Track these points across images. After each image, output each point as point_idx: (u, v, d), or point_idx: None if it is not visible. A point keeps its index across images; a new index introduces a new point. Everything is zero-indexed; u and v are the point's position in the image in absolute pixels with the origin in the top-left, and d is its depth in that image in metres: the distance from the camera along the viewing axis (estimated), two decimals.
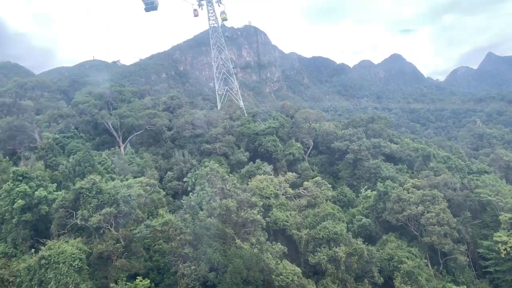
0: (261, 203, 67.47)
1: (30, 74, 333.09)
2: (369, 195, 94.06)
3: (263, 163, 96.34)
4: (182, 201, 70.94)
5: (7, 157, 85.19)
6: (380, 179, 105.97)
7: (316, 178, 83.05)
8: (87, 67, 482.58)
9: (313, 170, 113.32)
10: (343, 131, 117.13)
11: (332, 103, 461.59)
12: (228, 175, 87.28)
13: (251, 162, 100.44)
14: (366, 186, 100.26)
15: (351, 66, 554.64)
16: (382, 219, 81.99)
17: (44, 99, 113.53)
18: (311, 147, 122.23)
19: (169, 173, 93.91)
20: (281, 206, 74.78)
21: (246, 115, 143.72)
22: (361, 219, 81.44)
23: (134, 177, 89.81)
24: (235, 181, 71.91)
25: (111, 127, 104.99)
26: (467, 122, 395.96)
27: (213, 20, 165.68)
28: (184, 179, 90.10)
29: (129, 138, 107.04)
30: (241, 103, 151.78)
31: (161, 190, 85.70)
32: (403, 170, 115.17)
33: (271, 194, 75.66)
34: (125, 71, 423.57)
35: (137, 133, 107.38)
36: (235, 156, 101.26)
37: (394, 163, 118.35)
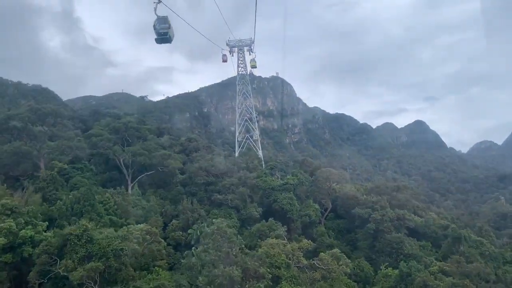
0: (270, 275, 58.45)
1: (58, 100, 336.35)
2: (389, 273, 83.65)
3: (276, 223, 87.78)
4: (182, 261, 62.30)
5: (5, 185, 78.95)
6: (402, 255, 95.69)
7: (334, 251, 73.64)
8: (115, 98, 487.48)
9: (329, 236, 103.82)
10: (364, 196, 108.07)
11: (351, 162, 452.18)
12: (236, 233, 79.03)
13: (263, 221, 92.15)
14: (386, 263, 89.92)
15: (374, 127, 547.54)
16: None
17: (60, 126, 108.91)
18: (329, 209, 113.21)
19: (174, 221, 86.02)
20: (292, 279, 65.37)
21: (263, 165, 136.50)
22: None
23: (137, 222, 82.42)
24: (243, 245, 63.37)
25: (122, 164, 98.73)
26: (489, 198, 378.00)
27: (242, 67, 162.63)
28: (189, 231, 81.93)
29: (138, 178, 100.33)
30: (260, 153, 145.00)
31: (162, 240, 77.68)
32: (426, 248, 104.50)
33: (282, 263, 66.55)
34: (151, 106, 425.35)
35: (148, 173, 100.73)
36: (247, 210, 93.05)
37: (417, 239, 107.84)
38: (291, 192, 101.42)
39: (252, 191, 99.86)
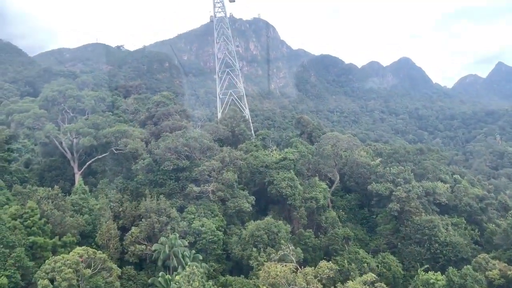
0: None
1: (23, 55, 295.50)
2: (431, 280, 59.12)
3: (276, 221, 61.58)
4: None
5: None
6: (437, 244, 71.42)
7: (368, 277, 47.63)
8: (89, 50, 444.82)
9: (340, 219, 78.59)
10: (385, 169, 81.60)
11: (338, 104, 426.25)
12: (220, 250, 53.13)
13: (259, 216, 66.08)
14: (426, 266, 65.45)
15: (359, 67, 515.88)
16: None
17: None
18: (336, 182, 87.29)
19: (133, 229, 58.98)
20: None
21: (252, 130, 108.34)
22: None
23: (81, 235, 56.06)
24: None
25: (64, 148, 69.92)
26: (477, 133, 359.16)
27: (219, 7, 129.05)
28: (154, 246, 55.32)
29: (88, 163, 71.93)
30: (247, 112, 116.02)
31: (115, 267, 51.12)
32: (460, 226, 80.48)
33: None
34: (127, 57, 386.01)
35: (100, 156, 72.26)
36: (236, 202, 66.27)
37: (447, 214, 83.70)
38: (291, 171, 74.47)
39: (240, 171, 72.58)
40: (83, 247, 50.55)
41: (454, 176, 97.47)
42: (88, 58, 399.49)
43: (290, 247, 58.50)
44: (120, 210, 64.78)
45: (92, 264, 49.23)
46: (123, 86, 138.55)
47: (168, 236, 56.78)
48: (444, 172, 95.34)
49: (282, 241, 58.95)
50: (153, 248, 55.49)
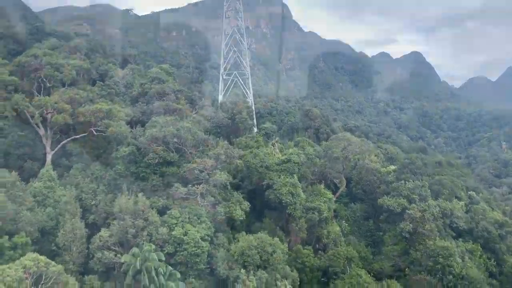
0: None
1: (28, 11, 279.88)
2: None
3: (272, 239, 51.40)
4: None
5: None
6: (451, 276, 61.82)
7: None
8: (98, 10, 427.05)
9: (342, 230, 68.65)
10: (400, 183, 71.22)
11: (344, 92, 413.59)
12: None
13: (253, 223, 56.06)
14: None
15: (369, 57, 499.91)
16: None
17: None
18: (342, 188, 77.09)
19: (103, 232, 48.81)
20: None
21: (254, 119, 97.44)
22: None
23: (41, 232, 46.51)
24: None
25: (37, 123, 59.01)
26: (481, 137, 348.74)
27: None
28: (123, 258, 45.28)
29: (62, 143, 61.19)
30: (251, 98, 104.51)
31: (71, 281, 41.22)
32: (475, 254, 70.80)
33: None
34: (135, 21, 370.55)
35: (77, 136, 61.48)
36: (227, 208, 55.95)
37: (461, 237, 73.93)
38: (294, 175, 63.94)
39: (237, 170, 62.11)
40: (33, 255, 40.52)
41: (469, 193, 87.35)
42: (95, 19, 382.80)
43: (286, 270, 48.88)
44: (92, 203, 54.63)
45: (43, 278, 39.46)
46: (120, 54, 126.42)
47: (143, 244, 46.84)
48: (459, 188, 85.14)
49: (277, 264, 48.99)
50: (122, 260, 45.49)
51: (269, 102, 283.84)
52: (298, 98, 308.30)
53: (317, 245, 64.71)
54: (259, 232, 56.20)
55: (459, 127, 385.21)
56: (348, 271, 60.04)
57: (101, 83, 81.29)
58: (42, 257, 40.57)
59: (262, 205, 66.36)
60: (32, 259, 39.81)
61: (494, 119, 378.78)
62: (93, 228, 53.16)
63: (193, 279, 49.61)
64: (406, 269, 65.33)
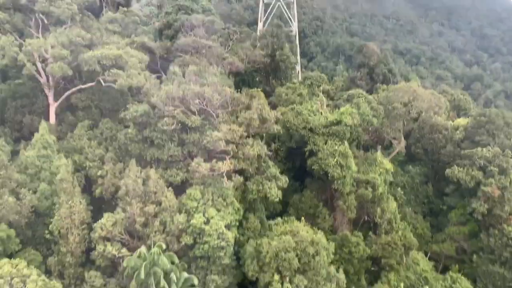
0: None
1: None
2: None
3: (314, 255, 39.58)
4: None
5: None
6: None
7: None
8: None
9: (396, 199, 55.95)
10: (474, 150, 55.73)
11: (395, 9, 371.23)
12: None
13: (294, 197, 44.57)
14: None
15: None
16: None
17: None
18: (398, 149, 62.69)
19: (105, 218, 38.58)
20: None
21: (298, 54, 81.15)
22: None
23: (17, 235, 37.11)
24: None
25: (36, 71, 47.17)
26: None
27: None
28: (125, 262, 35.52)
29: (66, 94, 49.61)
30: (295, 28, 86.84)
31: None
32: None
33: None
34: None
35: (84, 86, 49.53)
36: (260, 184, 44.12)
37: None
38: (345, 141, 50.10)
39: (274, 135, 49.21)
40: (10, 261, 31.23)
41: None
42: None
43: (331, 272, 37.97)
44: (98, 174, 44.22)
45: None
46: None
47: (152, 238, 36.73)
48: None
49: (320, 268, 37.91)
50: (124, 264, 35.76)
51: (313, 20, 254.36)
52: (346, 15, 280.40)
53: (364, 223, 52.89)
54: (298, 211, 45.08)
55: None
56: (405, 261, 48.59)
57: (125, 8, 66.94)
58: (20, 264, 31.25)
59: (302, 172, 54.14)
60: (8, 264, 30.57)
61: None
62: (98, 205, 43.49)
63: (215, 276, 39.91)
64: (474, 256, 53.04)
